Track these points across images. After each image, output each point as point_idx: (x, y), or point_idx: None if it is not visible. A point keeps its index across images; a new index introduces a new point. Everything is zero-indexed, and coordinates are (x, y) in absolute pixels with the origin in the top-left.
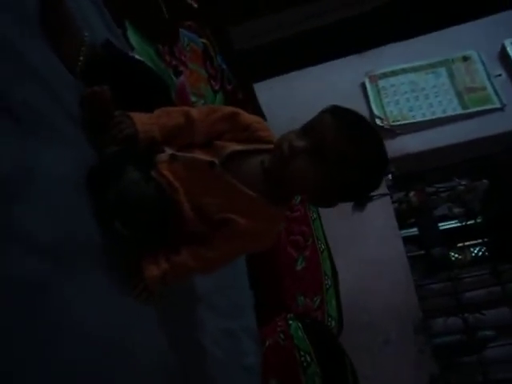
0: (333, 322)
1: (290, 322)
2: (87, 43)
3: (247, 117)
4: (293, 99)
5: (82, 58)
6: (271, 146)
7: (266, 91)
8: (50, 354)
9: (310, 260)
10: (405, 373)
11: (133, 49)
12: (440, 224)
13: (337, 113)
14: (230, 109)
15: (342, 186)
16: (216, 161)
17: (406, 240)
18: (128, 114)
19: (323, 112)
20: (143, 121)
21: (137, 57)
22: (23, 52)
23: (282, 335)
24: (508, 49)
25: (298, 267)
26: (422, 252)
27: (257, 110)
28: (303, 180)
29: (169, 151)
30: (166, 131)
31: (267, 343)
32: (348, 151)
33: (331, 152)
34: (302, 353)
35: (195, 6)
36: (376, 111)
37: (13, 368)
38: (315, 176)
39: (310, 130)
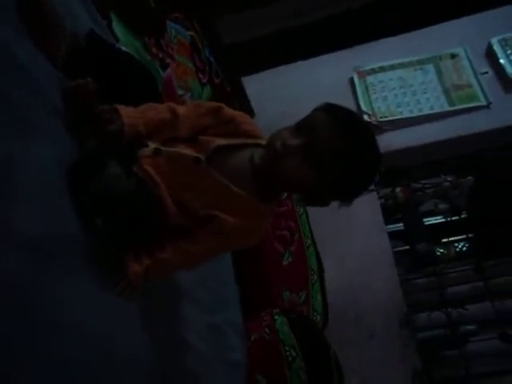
0: (318, 317)
1: (276, 316)
2: (69, 33)
3: (231, 111)
4: (282, 93)
5: (63, 49)
6: (257, 141)
7: (256, 84)
8: (38, 351)
9: (296, 255)
10: (389, 366)
11: (118, 40)
12: (425, 219)
13: (331, 111)
14: (213, 103)
15: (335, 184)
16: (201, 156)
17: (392, 235)
18: (115, 108)
19: (317, 110)
20: (129, 114)
21: (122, 48)
22: (5, 43)
23: (267, 330)
24: (494, 47)
25: (285, 262)
26: (408, 247)
27: (244, 104)
28: (296, 179)
29: (152, 145)
30: (152, 126)
31: (252, 338)
32: (342, 149)
33: (325, 150)
34: (287, 347)
35: None
36: (364, 107)
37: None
38: (309, 175)
39: (303, 127)
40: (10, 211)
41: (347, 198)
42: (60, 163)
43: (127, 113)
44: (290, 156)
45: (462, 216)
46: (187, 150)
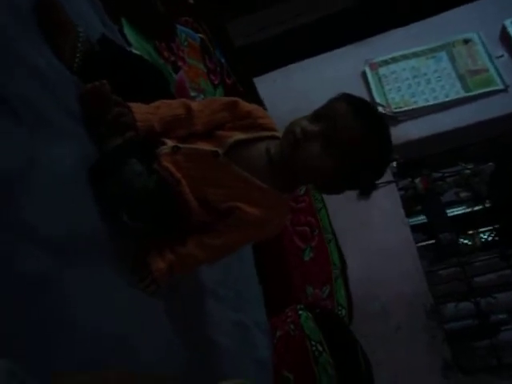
0: (343, 311)
1: (300, 312)
2: (82, 39)
3: (247, 105)
4: (294, 91)
5: (78, 55)
6: (272, 133)
7: (267, 84)
8: (56, 349)
9: (317, 250)
10: (418, 358)
11: (130, 45)
12: (448, 211)
13: (349, 100)
14: (229, 98)
15: (351, 171)
16: (219, 150)
17: (414, 228)
18: (127, 104)
19: (335, 99)
20: (142, 110)
21: (134, 51)
22: (21, 49)
23: (292, 326)
24: (509, 29)
25: (306, 258)
26: (431, 240)
27: (257, 104)
28: (314, 165)
29: (170, 143)
30: (166, 122)
31: (278, 334)
32: (360, 137)
33: (344, 137)
34: (313, 342)
35: (191, 1)
36: (378, 99)
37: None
38: (326, 161)
39: (322, 115)
40: (32, 211)
41: (362, 185)
42: (81, 163)
43: (139, 109)
44: (309, 142)
45: (486, 205)
46: (205, 146)
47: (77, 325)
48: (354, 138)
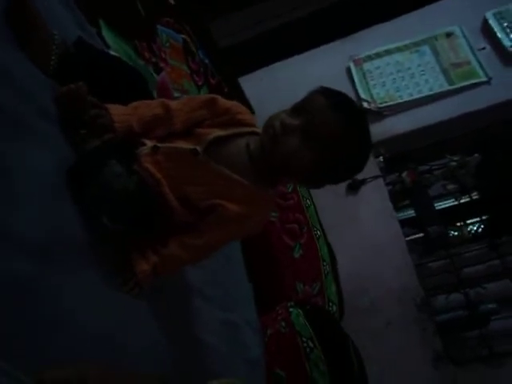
0: (334, 307)
1: (291, 309)
2: (57, 41)
3: (225, 101)
4: (280, 89)
5: (53, 58)
6: (252, 129)
7: (253, 83)
8: (42, 351)
9: (306, 247)
10: (409, 351)
11: (108, 47)
12: (436, 204)
13: (327, 93)
14: (207, 95)
15: (331, 165)
16: (198, 148)
17: (403, 222)
18: (103, 106)
19: (313, 92)
20: (119, 112)
21: (112, 53)
22: None
23: (283, 323)
24: (490, 21)
25: (296, 255)
26: (420, 234)
27: (243, 103)
28: (295, 158)
29: (150, 143)
30: (144, 122)
31: (269, 333)
32: (339, 131)
33: (322, 131)
34: (304, 339)
35: (172, 2)
36: (362, 94)
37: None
38: (306, 154)
39: (301, 109)
40: (12, 215)
41: (342, 178)
42: (59, 166)
43: (117, 110)
44: (288, 136)
45: (473, 197)
46: (184, 144)
47: (63, 326)
48: (332, 132)
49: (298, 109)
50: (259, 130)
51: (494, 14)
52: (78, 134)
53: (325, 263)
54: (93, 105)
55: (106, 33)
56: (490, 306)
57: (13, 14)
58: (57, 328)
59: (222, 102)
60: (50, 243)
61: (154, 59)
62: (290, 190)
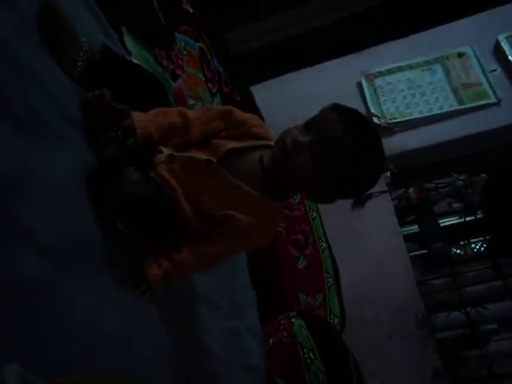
0: (335, 320)
1: (293, 319)
2: (85, 49)
3: (241, 114)
4: (290, 100)
5: (80, 64)
6: (267, 142)
7: (264, 92)
8: (53, 352)
9: (311, 258)
10: (409, 367)
11: (130, 54)
12: (441, 221)
13: (340, 111)
14: (224, 107)
15: (341, 181)
16: (213, 159)
17: (408, 238)
18: (128, 111)
19: (326, 109)
20: (140, 118)
21: (134, 61)
22: (23, 58)
23: (285, 333)
24: (502, 44)
25: (300, 266)
26: (424, 250)
27: (254, 112)
28: (304, 175)
29: (167, 152)
30: (162, 129)
31: (271, 342)
32: (350, 148)
33: (334, 148)
34: (306, 350)
35: (191, 10)
36: (373, 110)
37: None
38: (316, 171)
39: (313, 126)
40: (30, 218)
41: (352, 195)
42: (79, 170)
43: (138, 116)
44: (299, 152)
45: (478, 216)
46: (199, 154)
47: (75, 326)
48: (343, 150)
49: (309, 125)
50: (273, 143)
51: (507, 38)
52: (100, 139)
53: (328, 275)
54: (118, 110)
55: (127, 39)
56: (491, 326)
57: (44, 20)
58: (65, 329)
59: (239, 114)
60: (66, 246)
61: (171, 66)
62: (296, 201)
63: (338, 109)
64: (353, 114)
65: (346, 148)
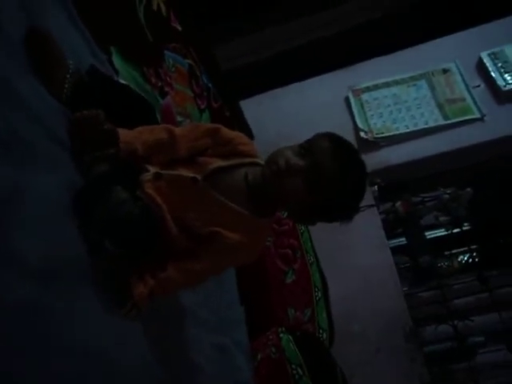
0: (324, 334)
1: (281, 335)
2: (72, 70)
3: (229, 132)
4: (279, 115)
5: (67, 86)
6: (253, 160)
7: (253, 107)
8: (42, 374)
9: (299, 273)
10: (397, 381)
11: (118, 73)
12: (427, 233)
13: (334, 140)
14: (211, 125)
15: (327, 208)
16: (199, 176)
17: (395, 250)
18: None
19: (321, 136)
20: (125, 133)
21: (121, 81)
22: (8, 79)
23: (273, 349)
24: (485, 60)
25: (288, 280)
26: (411, 262)
27: (244, 127)
28: (292, 197)
29: (153, 170)
30: (148, 146)
31: (259, 357)
32: (342, 179)
33: (327, 177)
34: (294, 366)
35: (179, 28)
36: (360, 124)
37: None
38: (305, 195)
39: (307, 151)
40: (16, 239)
41: (333, 220)
42: (66, 190)
43: (123, 131)
44: (291, 175)
45: (464, 228)
46: (185, 171)
47: (63, 344)
48: (335, 180)
49: (304, 149)
50: (260, 160)
51: (489, 54)
52: (87, 159)
53: (317, 289)
54: (108, 131)
55: (116, 59)
56: (477, 338)
57: (32, 45)
58: (51, 349)
59: (226, 132)
60: (53, 266)
61: (160, 83)
62: (285, 215)
63: (332, 138)
64: (346, 146)
65: (338, 178)
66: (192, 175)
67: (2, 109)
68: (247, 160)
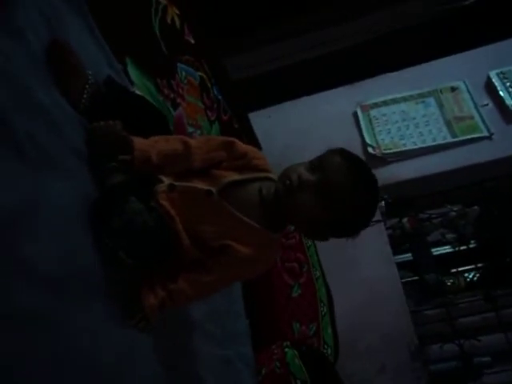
0: (329, 350)
1: (286, 349)
2: (91, 81)
3: (243, 146)
4: (288, 128)
5: (85, 96)
6: (267, 174)
7: (262, 119)
8: (52, 377)
9: (305, 287)
10: None
11: (133, 84)
12: (434, 250)
13: (346, 156)
14: (226, 138)
15: (338, 223)
16: (213, 189)
17: (401, 266)
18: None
19: (333, 153)
20: (140, 141)
21: (137, 92)
22: (30, 88)
23: (278, 363)
24: (493, 79)
25: (294, 294)
26: (417, 278)
27: (252, 140)
28: (304, 212)
29: (167, 181)
30: (163, 156)
31: (263, 371)
32: (354, 196)
33: (338, 193)
34: (299, 381)
35: (192, 41)
36: (368, 140)
37: None
38: (316, 210)
39: (319, 166)
40: (31, 249)
41: (344, 236)
42: (81, 199)
43: (138, 140)
44: (303, 190)
45: (471, 245)
46: (200, 184)
47: (70, 357)
48: (347, 196)
49: (315, 165)
50: (273, 175)
51: (498, 74)
52: (102, 169)
53: (322, 304)
54: (123, 139)
55: (131, 70)
56: (484, 359)
57: (53, 55)
58: (59, 360)
59: (240, 146)
60: (66, 277)
61: (172, 95)
62: (292, 229)
63: (344, 155)
64: (358, 163)
65: (349, 194)
66: (207, 188)
67: (23, 115)
68: (261, 175)
